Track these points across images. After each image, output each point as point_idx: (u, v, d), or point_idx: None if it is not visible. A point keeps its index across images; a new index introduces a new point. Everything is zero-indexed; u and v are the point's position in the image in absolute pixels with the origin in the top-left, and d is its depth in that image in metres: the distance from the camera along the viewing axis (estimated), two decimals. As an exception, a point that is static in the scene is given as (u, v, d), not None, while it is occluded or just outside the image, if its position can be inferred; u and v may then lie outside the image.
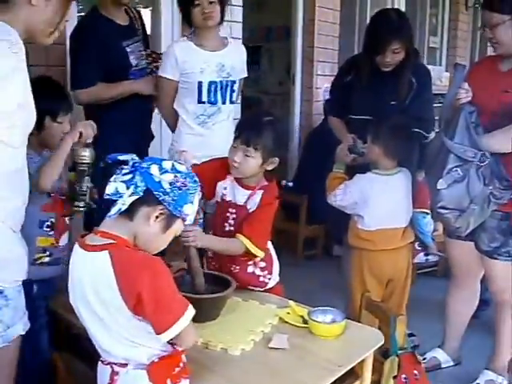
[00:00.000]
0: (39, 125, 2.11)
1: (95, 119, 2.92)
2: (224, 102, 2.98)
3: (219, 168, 2.29)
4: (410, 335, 2.98)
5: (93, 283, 1.50)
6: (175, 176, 1.55)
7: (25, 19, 1.67)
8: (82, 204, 2.20)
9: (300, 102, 5.51)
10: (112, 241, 1.52)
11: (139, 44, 3.17)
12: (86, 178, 2.18)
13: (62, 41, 3.04)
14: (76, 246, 1.59)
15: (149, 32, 4.31)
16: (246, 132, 2.18)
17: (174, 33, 4.13)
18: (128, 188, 1.50)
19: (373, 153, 2.74)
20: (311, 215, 4.38)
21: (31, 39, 1.74)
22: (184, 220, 1.62)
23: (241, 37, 4.42)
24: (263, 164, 2.21)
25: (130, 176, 1.52)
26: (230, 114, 3.06)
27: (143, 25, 3.29)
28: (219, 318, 2.02)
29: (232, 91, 3.01)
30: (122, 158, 1.56)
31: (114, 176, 1.53)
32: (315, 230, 4.53)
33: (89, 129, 2.20)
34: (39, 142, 2.24)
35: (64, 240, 2.31)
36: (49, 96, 2.18)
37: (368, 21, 5.95)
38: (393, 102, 2.99)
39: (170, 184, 1.54)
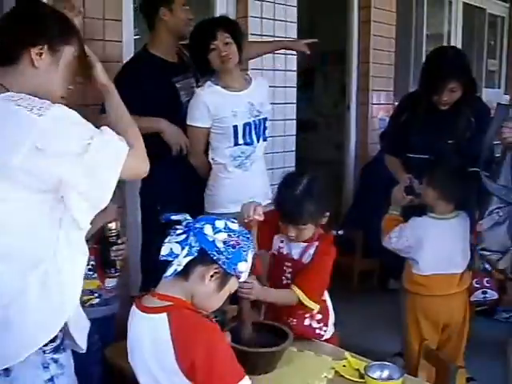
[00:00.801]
0: None
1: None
2: (258, 141, 2.99)
3: (276, 223, 2.28)
4: (470, 379, 2.90)
5: (151, 345, 1.53)
6: (229, 235, 1.57)
7: (30, 82, 1.61)
8: (113, 271, 2.26)
9: (355, 130, 5.48)
10: (170, 303, 1.55)
11: (191, 80, 3.19)
12: (114, 247, 2.23)
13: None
14: (133, 308, 1.62)
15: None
16: (288, 213, 2.17)
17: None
18: (183, 249, 1.53)
19: (428, 196, 2.70)
20: (367, 248, 4.33)
21: None
22: (238, 278, 1.63)
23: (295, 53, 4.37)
24: (317, 225, 2.24)
25: (184, 236, 1.55)
26: (263, 150, 3.08)
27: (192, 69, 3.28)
28: (274, 370, 2.01)
29: (265, 128, 3.03)
30: (175, 217, 1.59)
31: (169, 237, 1.56)
32: (370, 263, 4.48)
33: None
34: None
35: (110, 282, 2.34)
36: None
37: (424, 48, 6.02)
38: (450, 141, 2.94)
39: (224, 243, 1.56)
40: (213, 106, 2.88)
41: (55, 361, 1.58)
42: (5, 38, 1.62)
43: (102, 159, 1.51)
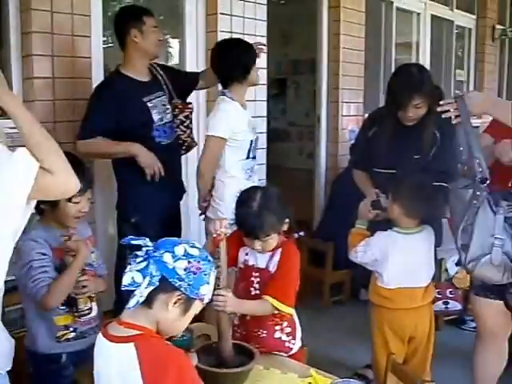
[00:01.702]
0: (53, 202, 2.16)
1: (126, 177, 3.02)
2: (256, 155, 3.26)
3: (240, 237, 2.31)
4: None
5: (119, 375, 1.53)
6: (189, 262, 1.57)
7: None
8: (74, 309, 2.24)
9: (326, 142, 5.53)
10: (137, 332, 1.54)
11: (163, 98, 3.23)
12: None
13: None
14: (100, 335, 1.61)
15: (177, 62, 4.45)
16: (250, 229, 2.20)
17: (199, 63, 4.23)
18: (144, 277, 1.53)
19: (393, 212, 2.73)
20: (337, 261, 4.36)
21: None
22: (202, 300, 1.64)
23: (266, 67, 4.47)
24: (280, 233, 2.28)
25: (144, 264, 1.54)
26: None
27: (170, 78, 3.35)
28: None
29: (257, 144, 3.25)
30: (135, 242, 1.59)
31: (129, 266, 1.55)
32: (341, 275, 4.51)
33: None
34: (54, 219, 2.27)
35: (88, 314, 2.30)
36: None
37: (393, 57, 6.10)
38: (416, 156, 2.99)
39: (185, 270, 1.56)
40: (234, 119, 3.10)
41: None
42: None
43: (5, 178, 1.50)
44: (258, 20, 4.42)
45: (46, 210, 2.25)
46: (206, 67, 4.02)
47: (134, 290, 1.53)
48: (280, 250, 2.30)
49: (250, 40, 4.21)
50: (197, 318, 2.03)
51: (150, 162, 3.03)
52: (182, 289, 1.56)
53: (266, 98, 4.53)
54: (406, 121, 2.97)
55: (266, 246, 2.26)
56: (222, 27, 4.16)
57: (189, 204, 3.76)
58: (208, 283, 1.61)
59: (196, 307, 1.65)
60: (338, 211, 4.35)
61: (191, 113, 3.39)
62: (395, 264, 2.71)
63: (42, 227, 2.26)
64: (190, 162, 3.85)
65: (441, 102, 2.60)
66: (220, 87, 3.35)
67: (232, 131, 3.09)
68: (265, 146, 4.52)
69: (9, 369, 1.73)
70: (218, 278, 2.09)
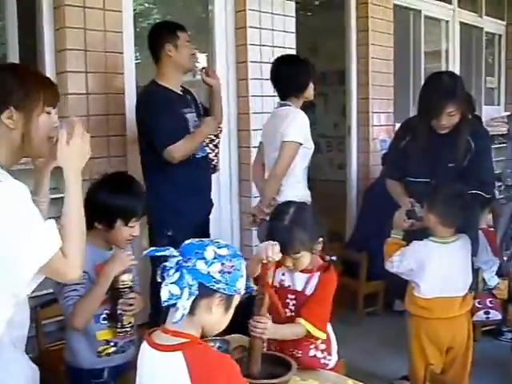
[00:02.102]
0: (110, 224, 2.21)
1: (162, 190, 3.05)
2: None
3: None
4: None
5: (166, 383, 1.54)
6: (222, 264, 1.56)
7: (13, 143, 1.69)
8: (118, 325, 2.21)
9: (356, 153, 5.52)
10: (184, 340, 1.55)
11: (194, 115, 3.30)
12: (121, 300, 2.19)
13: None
14: (145, 345, 1.61)
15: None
16: (280, 243, 2.12)
17: (230, 78, 4.27)
18: (181, 289, 1.52)
19: (429, 221, 2.72)
20: (371, 271, 4.33)
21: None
22: (240, 293, 1.64)
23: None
24: (313, 252, 2.25)
25: (177, 275, 1.54)
26: None
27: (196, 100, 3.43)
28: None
29: None
30: (159, 253, 1.59)
31: (165, 281, 1.55)
32: (375, 286, 4.46)
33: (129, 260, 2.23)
34: (105, 238, 2.27)
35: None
36: (125, 199, 2.22)
37: (423, 66, 6.07)
38: (450, 164, 2.97)
39: (220, 272, 1.56)
40: (306, 127, 3.37)
41: None
42: None
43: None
44: (287, 32, 4.44)
45: (98, 229, 2.25)
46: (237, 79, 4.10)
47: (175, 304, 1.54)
48: (318, 273, 2.27)
49: (279, 52, 4.30)
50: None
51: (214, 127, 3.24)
52: (220, 290, 1.56)
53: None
54: (439, 129, 2.95)
55: (298, 265, 2.23)
56: (252, 40, 4.19)
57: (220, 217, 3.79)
58: (242, 276, 1.61)
59: (236, 301, 1.65)
60: (370, 221, 4.32)
61: (221, 132, 3.43)
62: (432, 273, 2.69)
63: (88, 245, 2.26)
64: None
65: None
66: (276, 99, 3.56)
67: (304, 139, 3.30)
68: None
69: None
70: (260, 306, 2.10)
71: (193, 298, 1.52)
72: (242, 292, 1.64)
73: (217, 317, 1.60)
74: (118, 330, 2.21)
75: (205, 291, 1.55)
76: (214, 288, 1.55)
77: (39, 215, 1.58)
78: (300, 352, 2.26)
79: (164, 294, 1.53)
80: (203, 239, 1.63)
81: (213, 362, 1.53)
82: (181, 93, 3.30)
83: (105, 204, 2.21)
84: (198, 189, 3.16)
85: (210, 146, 3.37)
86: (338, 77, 6.28)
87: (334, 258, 2.32)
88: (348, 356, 2.43)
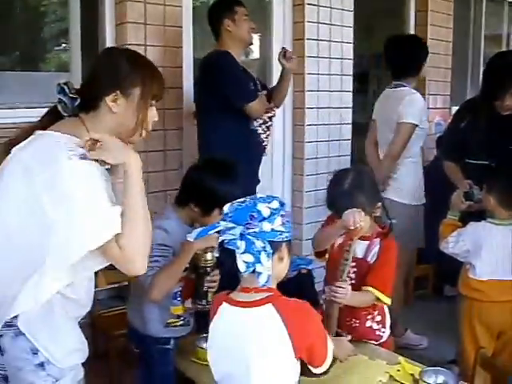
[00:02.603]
0: (207, 211, 2.25)
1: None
2: None
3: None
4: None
5: (256, 337, 1.58)
6: (281, 216, 1.60)
7: (110, 125, 1.72)
8: (203, 302, 2.24)
9: (411, 135, 5.40)
10: (269, 293, 1.61)
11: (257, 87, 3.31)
12: (208, 278, 2.22)
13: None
14: (226, 307, 1.65)
15: (258, 56, 4.49)
16: (341, 207, 2.18)
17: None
18: (255, 255, 1.55)
19: (488, 202, 2.68)
20: (422, 255, 4.28)
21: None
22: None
23: (351, 57, 4.47)
24: (371, 217, 2.27)
25: (244, 243, 1.56)
26: None
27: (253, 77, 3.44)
28: (328, 374, 2.02)
29: None
30: (213, 231, 1.61)
31: (236, 254, 1.57)
32: (425, 270, 4.42)
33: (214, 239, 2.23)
34: (195, 219, 2.31)
35: (189, 302, 2.34)
36: (229, 190, 2.16)
37: (482, 50, 5.91)
38: None
39: (282, 224, 1.60)
40: (423, 108, 3.57)
41: (45, 348, 1.65)
42: (86, 92, 1.74)
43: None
44: (345, 10, 4.37)
45: (193, 211, 2.29)
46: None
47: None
48: (378, 240, 2.30)
49: (336, 31, 4.26)
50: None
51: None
52: (285, 239, 1.62)
53: (351, 89, 4.50)
54: (503, 110, 2.89)
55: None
56: (309, 18, 4.15)
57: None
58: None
59: None
60: (425, 205, 4.26)
61: (274, 115, 3.43)
62: (488, 255, 2.66)
63: (177, 219, 2.30)
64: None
65: None
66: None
67: (421, 119, 3.46)
68: (349, 138, 4.49)
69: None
70: (342, 271, 2.13)
71: (271, 257, 1.57)
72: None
73: (285, 264, 1.67)
74: (201, 306, 2.24)
75: (275, 246, 1.60)
76: (281, 240, 1.60)
77: (105, 196, 1.58)
78: (358, 322, 2.31)
79: (241, 266, 1.56)
80: (242, 201, 1.64)
81: (301, 310, 1.62)
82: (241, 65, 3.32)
83: (208, 191, 2.23)
84: (250, 160, 3.18)
85: (263, 127, 3.37)
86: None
87: (394, 220, 2.32)
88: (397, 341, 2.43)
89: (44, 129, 1.69)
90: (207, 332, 1.73)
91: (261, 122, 3.32)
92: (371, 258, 2.29)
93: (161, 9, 3.43)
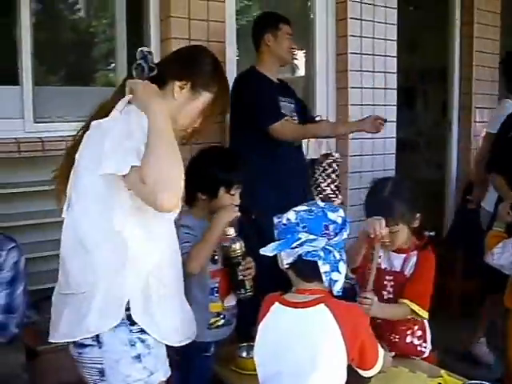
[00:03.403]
0: (213, 193, 2.29)
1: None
2: None
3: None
4: None
5: (310, 335, 1.61)
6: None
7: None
8: (243, 291, 2.28)
9: (457, 149, 5.34)
10: (321, 295, 1.65)
11: (292, 106, 3.34)
12: (241, 267, 2.26)
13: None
14: (279, 306, 1.69)
15: (303, 73, 4.49)
16: (377, 215, 2.16)
17: (329, 74, 4.26)
18: (333, 264, 1.62)
19: (533, 213, 2.60)
20: (468, 269, 4.19)
21: None
22: None
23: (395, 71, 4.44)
24: (410, 228, 2.24)
25: (323, 253, 1.62)
26: None
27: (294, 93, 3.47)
28: (369, 384, 2.00)
29: None
30: (294, 244, 1.64)
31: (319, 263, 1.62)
32: (472, 285, 4.31)
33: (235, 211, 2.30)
34: (208, 208, 2.35)
35: (230, 301, 2.38)
36: (226, 167, 2.31)
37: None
38: None
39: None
40: None
41: (142, 341, 1.71)
42: (163, 67, 1.84)
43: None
44: (389, 24, 4.36)
45: (200, 201, 2.35)
46: (337, 71, 4.08)
47: None
48: (415, 253, 2.28)
49: (379, 45, 4.24)
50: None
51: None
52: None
53: (395, 103, 4.46)
54: None
55: (395, 240, 2.23)
56: (352, 32, 4.16)
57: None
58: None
59: None
60: (469, 219, 4.17)
61: (335, 162, 3.45)
62: (535, 266, 2.57)
63: (191, 217, 2.35)
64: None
65: None
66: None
67: None
68: (394, 152, 4.45)
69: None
70: (367, 281, 2.13)
71: (346, 264, 1.65)
72: None
73: None
74: (243, 295, 2.29)
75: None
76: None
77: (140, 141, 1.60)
78: (397, 337, 2.28)
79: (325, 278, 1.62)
80: (308, 209, 1.67)
81: (353, 310, 1.67)
82: (277, 81, 3.34)
83: (208, 174, 2.30)
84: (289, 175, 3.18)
85: (323, 175, 3.37)
86: (438, 74, 6.09)
87: (432, 233, 2.29)
88: (443, 356, 2.37)
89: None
90: (248, 340, 1.74)
91: (321, 169, 3.31)
92: (408, 271, 2.26)
93: (205, 25, 3.49)
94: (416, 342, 2.30)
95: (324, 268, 1.59)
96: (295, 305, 1.66)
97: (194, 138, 1.93)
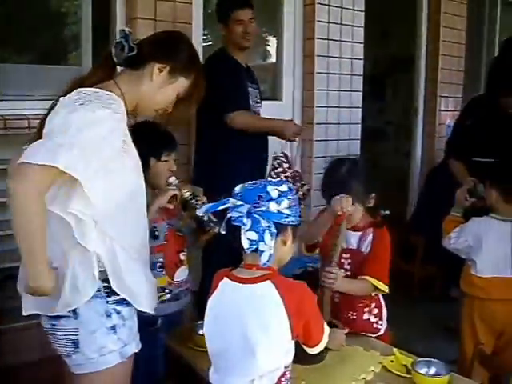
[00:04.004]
0: (145, 165, 2.23)
1: (216, 148, 3.07)
2: None
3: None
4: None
5: (256, 311, 1.62)
6: (288, 199, 1.64)
7: (141, 90, 1.85)
8: (211, 224, 2.32)
9: (422, 137, 5.42)
10: (268, 271, 1.65)
11: (257, 92, 3.34)
12: (197, 208, 2.28)
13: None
14: (227, 282, 1.69)
15: (274, 60, 4.52)
16: (333, 194, 2.20)
17: (296, 59, 4.27)
18: (260, 233, 1.59)
19: (490, 197, 2.66)
20: (428, 254, 4.27)
21: (136, 111, 1.91)
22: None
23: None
24: (365, 207, 2.30)
25: (250, 221, 1.59)
26: None
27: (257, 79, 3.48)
28: (323, 362, 2.04)
29: None
30: (222, 207, 1.64)
31: (241, 232, 1.60)
32: (432, 270, 4.40)
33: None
34: (148, 182, 2.36)
35: (180, 276, 2.42)
36: (151, 138, 2.32)
37: (496, 53, 5.87)
38: None
39: (289, 207, 1.64)
40: None
41: (117, 312, 1.76)
42: (143, 47, 1.86)
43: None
44: (356, 11, 4.39)
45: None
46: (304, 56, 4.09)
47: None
48: (371, 230, 2.32)
49: (347, 31, 4.27)
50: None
51: (290, 132, 3.21)
52: (291, 223, 1.65)
53: (361, 89, 4.50)
54: (509, 108, 2.87)
55: (351, 219, 2.26)
56: (319, 17, 4.17)
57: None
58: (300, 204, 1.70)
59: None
60: (430, 205, 4.24)
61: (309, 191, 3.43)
62: (490, 251, 2.64)
63: None
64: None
65: None
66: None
67: None
68: (359, 138, 4.50)
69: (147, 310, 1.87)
70: (331, 256, 2.16)
71: (274, 237, 1.60)
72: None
73: (288, 249, 1.71)
74: (209, 227, 2.33)
75: (280, 228, 1.63)
76: (286, 223, 1.64)
77: (93, 145, 1.62)
78: (355, 314, 2.32)
79: (245, 243, 1.59)
80: (254, 183, 1.68)
81: (299, 288, 1.65)
82: (246, 66, 3.35)
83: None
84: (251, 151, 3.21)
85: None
86: (409, 63, 6.14)
87: (387, 212, 2.33)
88: (401, 338, 2.41)
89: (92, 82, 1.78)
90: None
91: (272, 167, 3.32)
92: (365, 249, 2.31)
93: (171, 5, 3.47)
94: (372, 319, 2.34)
95: (250, 235, 1.58)
96: (243, 280, 1.66)
97: (169, 123, 2.04)
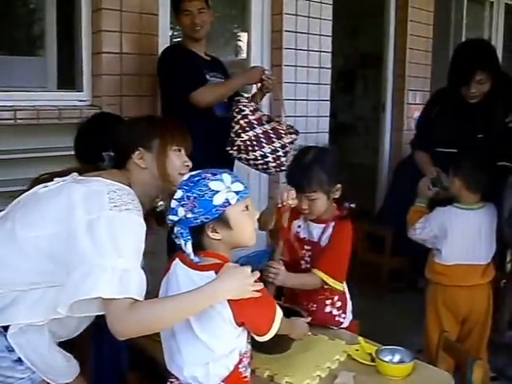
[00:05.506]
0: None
1: None
2: None
3: (295, 209, 2.23)
4: (494, 379, 2.86)
5: None
6: (183, 206, 1.60)
7: (145, 180, 1.86)
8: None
9: (390, 130, 5.45)
10: (217, 260, 1.62)
11: (221, 81, 3.30)
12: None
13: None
14: (179, 263, 1.67)
15: (244, 55, 4.50)
16: (296, 180, 2.17)
17: (264, 52, 4.25)
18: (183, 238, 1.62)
19: (454, 186, 2.69)
20: (396, 247, 4.30)
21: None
22: (229, 204, 1.61)
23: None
24: (329, 197, 2.22)
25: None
26: None
27: (225, 71, 3.44)
28: (288, 351, 2.03)
29: None
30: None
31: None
32: (400, 262, 4.43)
33: None
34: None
35: None
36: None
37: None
38: (480, 135, 2.92)
39: (190, 211, 1.59)
40: None
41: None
42: (115, 155, 1.92)
43: None
44: (324, 4, 4.38)
45: None
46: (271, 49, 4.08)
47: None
48: (333, 223, 2.25)
49: (314, 24, 4.26)
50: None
51: (256, 75, 3.16)
52: (204, 220, 1.60)
53: (329, 82, 4.51)
54: (469, 98, 2.90)
55: (313, 207, 2.19)
56: (287, 10, 4.16)
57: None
58: (213, 195, 1.59)
59: (235, 215, 1.63)
60: (398, 198, 4.26)
61: (295, 140, 3.27)
62: (454, 239, 2.67)
63: None
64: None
65: None
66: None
67: None
68: (327, 130, 4.50)
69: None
70: (273, 251, 2.12)
71: (189, 242, 1.61)
72: (233, 201, 1.61)
73: (231, 233, 1.62)
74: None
75: (196, 229, 1.61)
76: (198, 223, 1.60)
77: (132, 256, 1.59)
78: (315, 306, 2.27)
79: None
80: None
81: None
82: (207, 58, 3.32)
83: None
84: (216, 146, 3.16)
85: (281, 151, 3.30)
86: (377, 58, 6.18)
87: (352, 205, 2.28)
88: (366, 329, 2.41)
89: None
90: None
91: (279, 145, 3.25)
92: (324, 241, 2.24)
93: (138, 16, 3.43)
94: (335, 312, 2.30)
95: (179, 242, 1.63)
96: (192, 266, 1.63)
97: None
